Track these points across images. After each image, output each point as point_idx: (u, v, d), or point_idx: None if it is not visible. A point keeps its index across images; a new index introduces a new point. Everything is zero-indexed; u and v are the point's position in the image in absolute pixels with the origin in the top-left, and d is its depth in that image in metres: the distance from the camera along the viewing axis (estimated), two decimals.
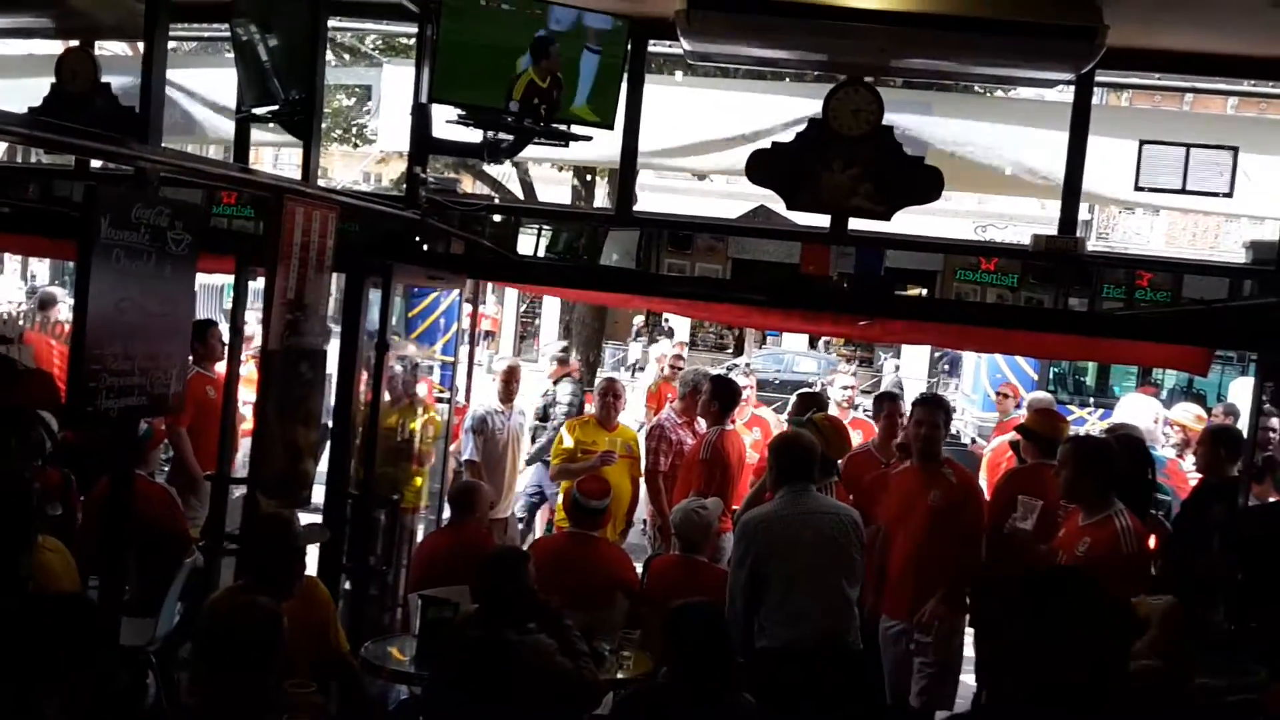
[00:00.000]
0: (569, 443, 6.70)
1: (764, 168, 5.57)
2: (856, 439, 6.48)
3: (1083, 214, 20.61)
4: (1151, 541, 5.74)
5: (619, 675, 4.50)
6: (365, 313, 5.02)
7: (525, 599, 3.89)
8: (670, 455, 6.72)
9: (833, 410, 7.29)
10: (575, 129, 5.48)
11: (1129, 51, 5.55)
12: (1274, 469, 5.89)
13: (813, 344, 25.94)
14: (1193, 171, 5.67)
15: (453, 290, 6.20)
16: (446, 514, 5.96)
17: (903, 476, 5.40)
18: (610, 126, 5.49)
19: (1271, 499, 5.73)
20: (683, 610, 3.60)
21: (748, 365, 11.75)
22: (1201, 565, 5.50)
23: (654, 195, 14.84)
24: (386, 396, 5.46)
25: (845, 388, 7.86)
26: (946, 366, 22.36)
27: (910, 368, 22.86)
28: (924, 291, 10.31)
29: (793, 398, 6.81)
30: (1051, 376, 16.75)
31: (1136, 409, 8.01)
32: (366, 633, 5.02)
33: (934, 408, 5.36)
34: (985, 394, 14.41)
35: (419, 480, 6.24)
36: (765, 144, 5.60)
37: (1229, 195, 5.73)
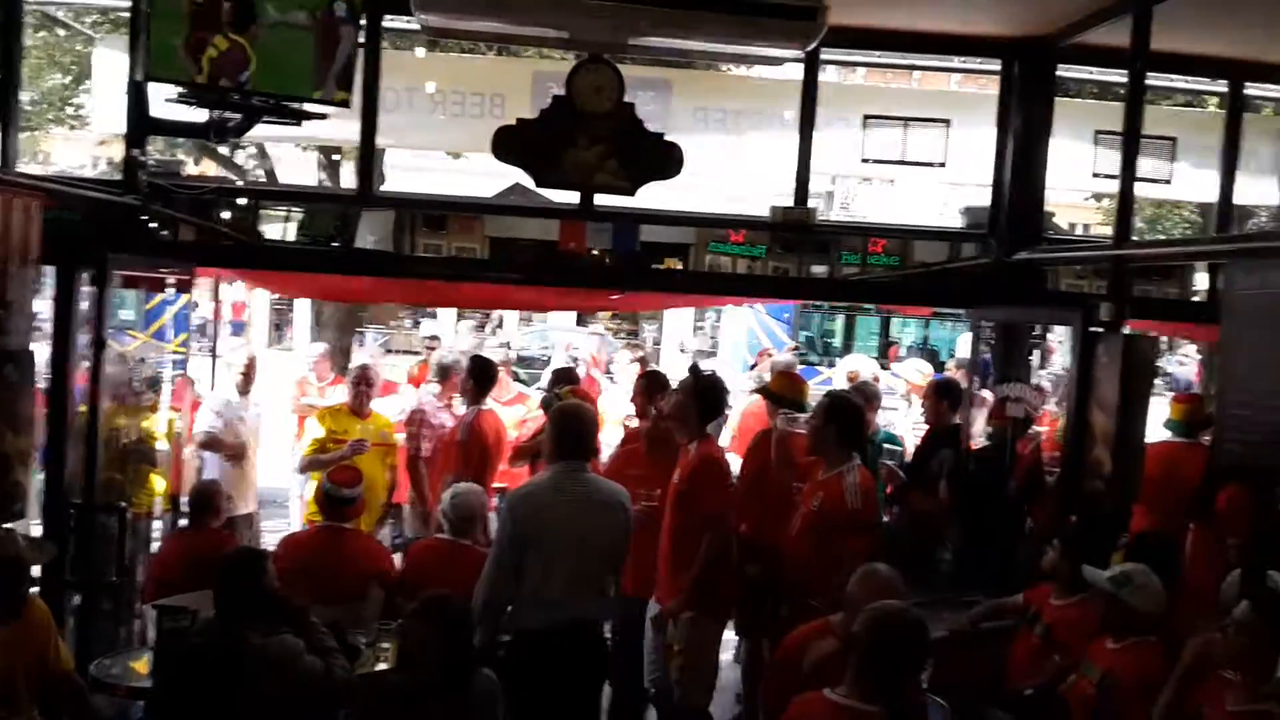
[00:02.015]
0: (319, 432, 6.46)
1: (510, 145, 5.53)
2: None
3: (826, 185, 21.74)
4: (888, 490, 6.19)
5: (378, 667, 4.38)
6: (76, 307, 4.65)
7: (267, 599, 3.73)
8: (432, 439, 6.59)
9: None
10: (309, 107, 5.26)
11: (853, 30, 5.87)
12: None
13: (580, 321, 26.18)
14: (910, 143, 6.06)
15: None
16: None
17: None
18: (345, 104, 5.30)
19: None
20: (422, 606, 3.59)
21: (507, 345, 11.71)
22: (930, 508, 5.93)
23: (406, 174, 14.50)
24: (108, 398, 5.10)
25: (633, 360, 7.75)
26: (709, 336, 23.05)
27: (673, 338, 23.39)
28: (680, 263, 10.61)
29: (546, 373, 6.82)
30: (803, 340, 17.63)
31: (849, 367, 8.57)
32: (101, 649, 4.68)
33: (649, 383, 5.23)
34: (744, 359, 15.01)
35: (154, 483, 5.86)
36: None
37: (943, 165, 6.16)
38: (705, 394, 5.06)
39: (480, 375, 6.35)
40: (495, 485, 6.34)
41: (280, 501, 8.39)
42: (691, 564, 4.76)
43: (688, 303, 12.95)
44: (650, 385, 5.83)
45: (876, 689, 3.04)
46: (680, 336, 23.35)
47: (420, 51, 6.90)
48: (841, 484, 4.66)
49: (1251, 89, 6.57)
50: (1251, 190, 6.99)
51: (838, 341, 19.08)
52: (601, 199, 5.73)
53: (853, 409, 5.02)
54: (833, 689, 3.13)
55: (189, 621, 3.99)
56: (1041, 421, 6.41)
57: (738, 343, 16.68)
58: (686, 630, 4.82)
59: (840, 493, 4.64)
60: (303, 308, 20.61)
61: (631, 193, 5.62)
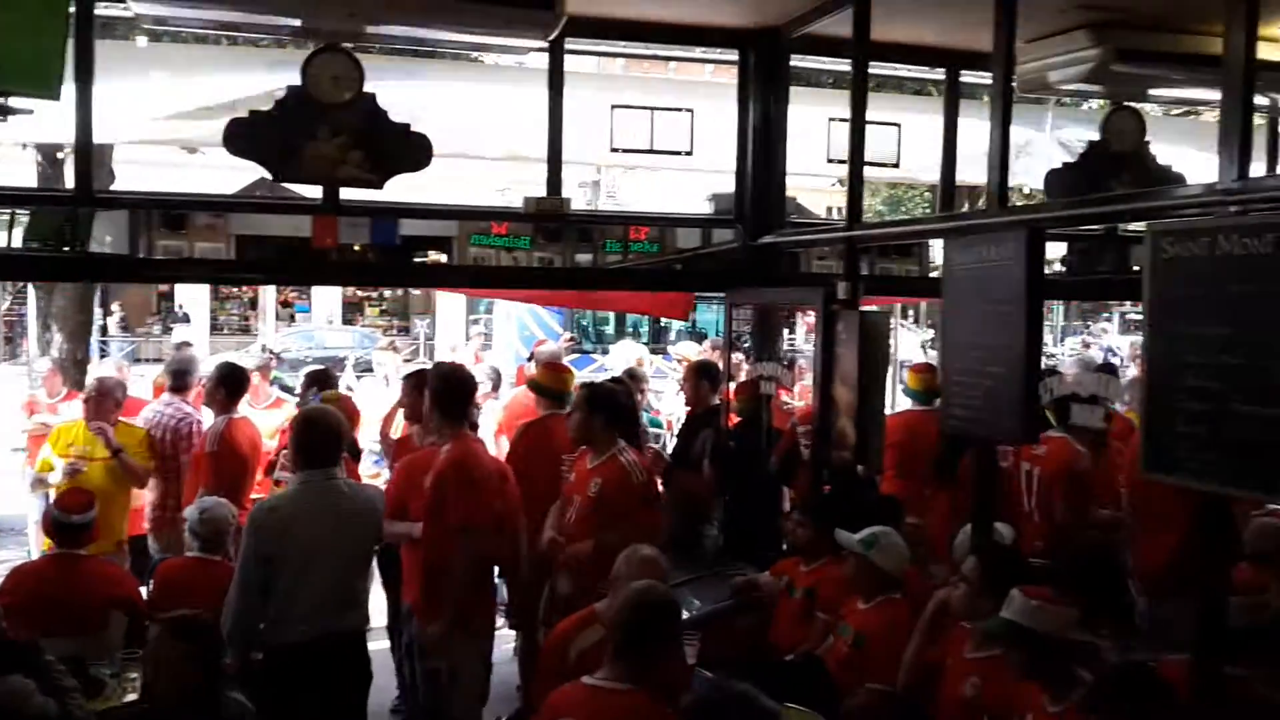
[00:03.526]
0: (47, 452, 5.95)
1: (244, 139, 5.25)
2: None
3: (593, 175, 21.88)
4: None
5: (127, 699, 4.11)
6: None
7: None
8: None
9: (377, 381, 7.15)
10: (14, 102, 4.83)
11: (596, 20, 5.91)
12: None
13: (345, 319, 25.40)
14: (657, 132, 6.17)
15: None
16: None
17: (421, 457, 4.95)
18: (55, 97, 4.89)
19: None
20: (165, 629, 3.40)
21: (264, 347, 11.23)
22: (694, 487, 6.10)
23: (143, 170, 13.57)
24: None
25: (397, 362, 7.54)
26: (483, 329, 22.84)
27: (445, 332, 23.04)
28: (444, 257, 10.44)
29: (300, 376, 6.56)
30: (576, 328, 17.79)
31: (625, 353, 8.75)
32: None
33: (419, 381, 5.03)
34: (515, 353, 14.98)
35: None
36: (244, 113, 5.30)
37: (689, 154, 6.30)
38: (439, 388, 4.67)
39: (229, 382, 6.03)
40: (253, 497, 6.05)
41: (18, 529, 7.81)
42: (445, 583, 4.43)
43: (453, 289, 12.79)
44: (420, 384, 5.43)
45: (631, 668, 3.09)
46: (454, 331, 23.08)
47: (142, 41, 6.45)
48: (620, 464, 4.74)
49: (968, 76, 7.03)
50: (973, 171, 7.48)
51: (610, 329, 19.41)
52: (351, 193, 5.54)
53: (611, 396, 5.09)
54: (592, 675, 3.16)
55: None
56: (801, 397, 6.69)
57: (508, 334, 16.65)
58: (447, 650, 4.55)
59: (622, 472, 4.73)
60: (31, 317, 19.03)
61: (379, 185, 5.44)
